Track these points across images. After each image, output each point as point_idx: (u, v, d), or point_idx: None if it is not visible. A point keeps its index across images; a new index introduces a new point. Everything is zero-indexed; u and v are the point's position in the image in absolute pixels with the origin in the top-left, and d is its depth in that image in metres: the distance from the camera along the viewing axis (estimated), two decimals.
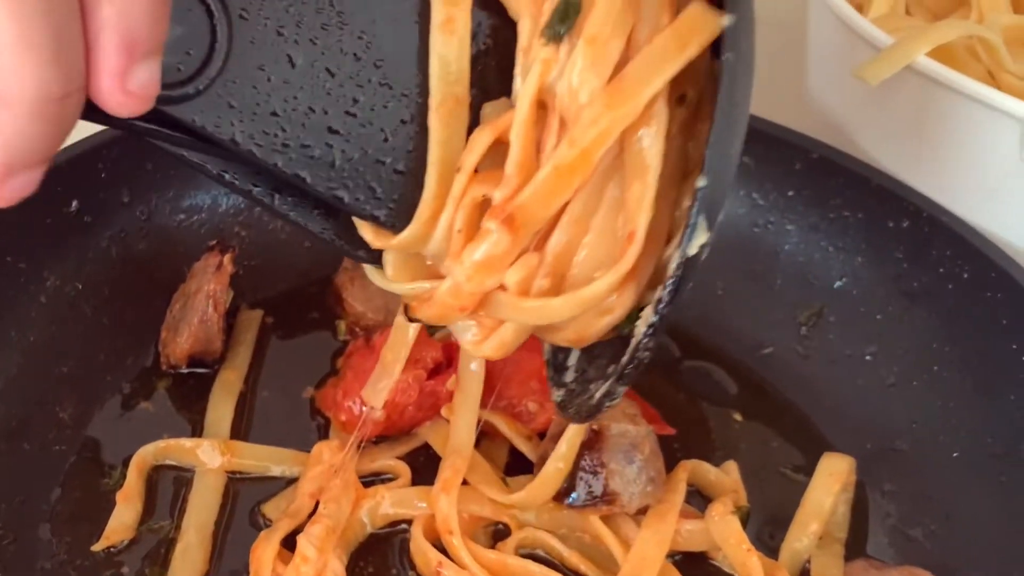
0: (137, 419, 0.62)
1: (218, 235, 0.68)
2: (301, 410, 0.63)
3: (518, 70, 0.43)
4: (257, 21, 0.41)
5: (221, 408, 0.62)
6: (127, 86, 0.35)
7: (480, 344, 0.45)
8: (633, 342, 0.42)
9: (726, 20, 0.38)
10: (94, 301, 0.64)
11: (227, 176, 0.45)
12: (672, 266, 0.39)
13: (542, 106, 0.41)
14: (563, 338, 0.45)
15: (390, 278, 0.45)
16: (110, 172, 0.65)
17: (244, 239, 0.69)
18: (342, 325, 0.68)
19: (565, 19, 0.40)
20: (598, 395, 0.45)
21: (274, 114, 0.42)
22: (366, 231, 0.45)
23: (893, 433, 0.62)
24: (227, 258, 0.63)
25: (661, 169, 0.40)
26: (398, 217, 0.43)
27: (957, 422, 0.60)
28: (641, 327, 0.42)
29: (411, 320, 0.45)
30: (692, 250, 0.39)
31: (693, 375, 0.67)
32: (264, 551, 0.53)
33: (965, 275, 0.61)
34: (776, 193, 0.68)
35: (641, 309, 0.43)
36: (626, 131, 0.40)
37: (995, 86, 0.62)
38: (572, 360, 0.49)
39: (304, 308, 0.68)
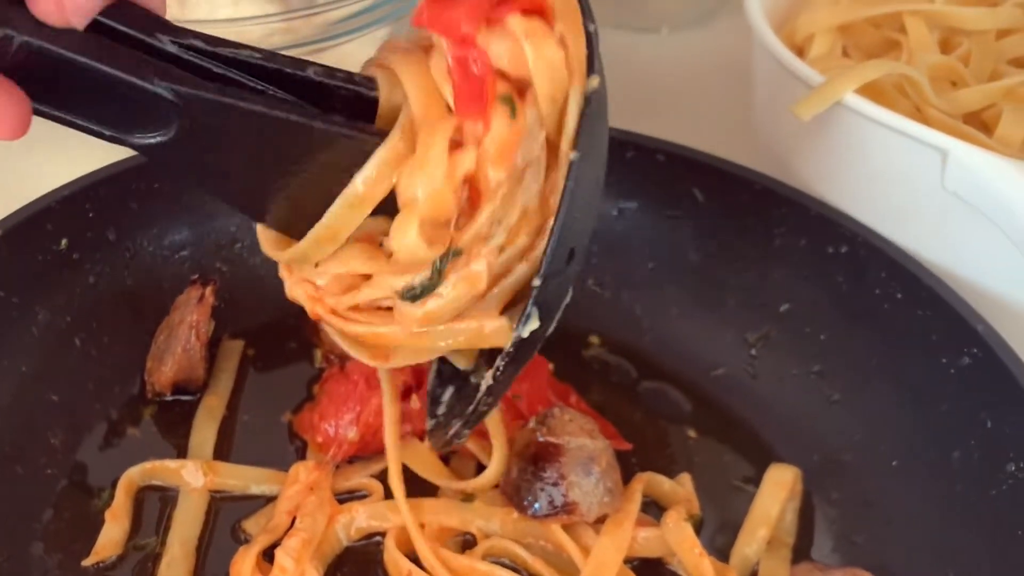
0: (125, 444, 0.65)
1: (200, 270, 0.71)
2: (280, 433, 0.67)
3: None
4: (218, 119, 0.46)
5: (204, 432, 0.66)
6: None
7: None
8: (477, 396, 0.50)
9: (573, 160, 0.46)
10: (83, 334, 0.68)
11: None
12: (507, 345, 0.48)
13: None
14: None
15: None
16: (97, 212, 0.69)
17: (225, 274, 0.73)
18: (318, 353, 0.71)
19: (416, 299, 0.48)
20: (451, 432, 0.53)
21: (218, 172, 0.48)
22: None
23: (838, 445, 0.66)
24: (208, 290, 0.67)
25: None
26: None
27: (895, 433, 0.64)
28: (483, 385, 0.50)
29: None
30: (524, 333, 0.47)
31: (650, 395, 0.71)
32: (243, 564, 0.57)
33: (899, 295, 0.66)
34: (724, 223, 0.73)
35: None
36: None
37: (922, 119, 0.67)
38: (446, 396, 0.56)
39: (282, 338, 0.72)
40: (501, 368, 0.48)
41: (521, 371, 0.51)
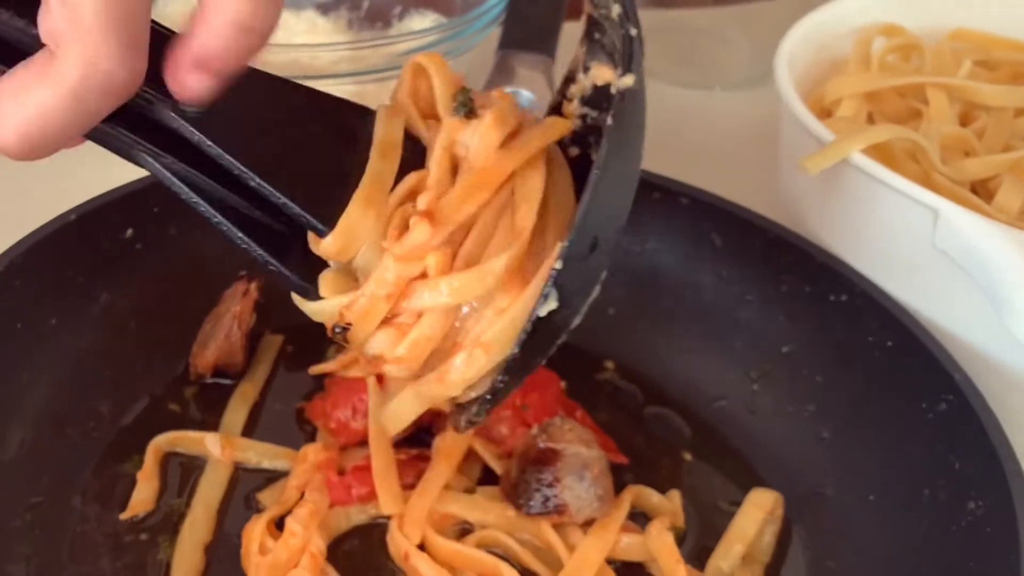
0: (164, 418, 0.72)
1: (248, 268, 0.78)
2: (302, 418, 0.73)
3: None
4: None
5: (236, 413, 0.72)
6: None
7: (394, 346, 0.54)
8: (495, 375, 0.53)
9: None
10: (138, 317, 0.74)
11: (200, 208, 0.53)
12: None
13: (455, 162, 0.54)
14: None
15: (323, 294, 0.55)
16: (162, 209, 0.75)
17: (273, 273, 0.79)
18: (331, 350, 0.77)
19: (464, 106, 0.54)
20: (471, 412, 0.55)
21: (260, 134, 0.52)
22: (312, 240, 0.54)
23: (821, 479, 0.70)
24: (253, 286, 0.74)
25: (541, 200, 0.53)
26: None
27: (874, 471, 0.68)
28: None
29: (334, 337, 0.54)
30: (542, 312, 0.50)
31: (653, 419, 0.76)
32: (254, 529, 0.63)
33: (889, 343, 0.70)
34: (737, 267, 0.78)
35: None
36: (515, 172, 0.53)
37: (930, 185, 0.71)
38: None
39: (319, 337, 0.77)
40: (519, 345, 0.51)
41: (542, 356, 0.53)
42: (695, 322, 0.79)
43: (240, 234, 0.54)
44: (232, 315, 0.72)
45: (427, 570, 0.62)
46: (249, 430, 0.72)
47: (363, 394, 0.69)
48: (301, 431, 0.72)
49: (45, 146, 0.45)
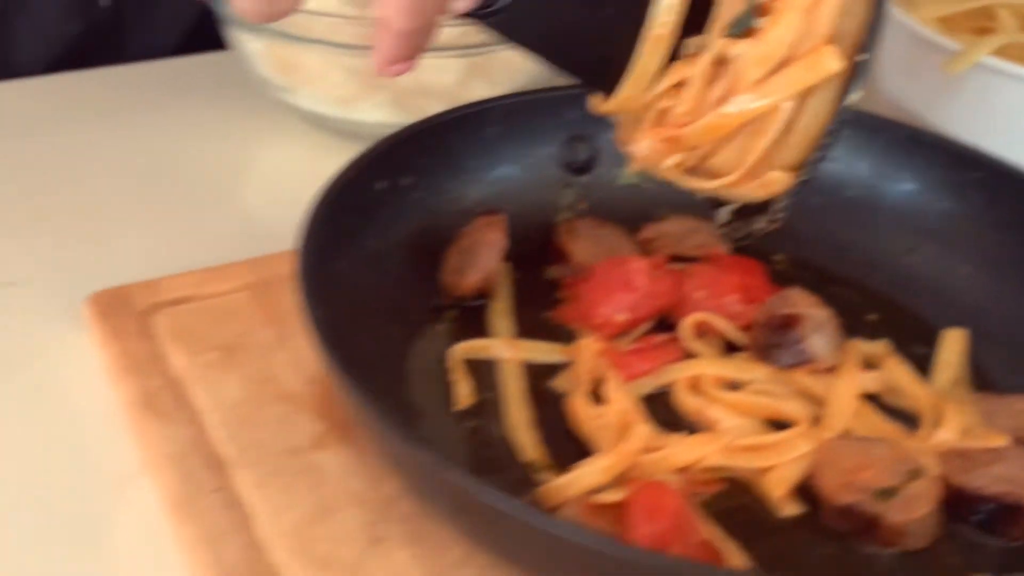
0: (439, 337, 0.83)
1: (478, 207, 0.90)
2: (548, 327, 0.85)
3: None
4: None
5: (502, 324, 0.83)
6: None
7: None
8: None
9: None
10: (396, 257, 0.85)
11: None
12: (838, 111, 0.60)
13: (722, 60, 0.64)
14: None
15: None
16: (396, 163, 0.87)
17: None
18: (552, 270, 0.90)
19: (740, 24, 0.63)
20: (758, 226, 0.68)
21: (546, 29, 0.66)
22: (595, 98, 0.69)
23: (988, 324, 0.86)
24: (498, 217, 0.86)
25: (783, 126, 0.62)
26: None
27: None
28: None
29: None
30: (853, 100, 0.59)
31: (831, 294, 0.88)
32: (577, 400, 0.75)
33: None
34: (875, 163, 0.93)
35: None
36: None
37: None
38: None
39: (540, 261, 0.90)
40: (833, 133, 0.59)
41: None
42: (844, 213, 0.94)
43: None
44: (488, 243, 0.84)
45: (723, 416, 0.75)
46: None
47: (620, 292, 0.82)
48: (563, 333, 0.84)
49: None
